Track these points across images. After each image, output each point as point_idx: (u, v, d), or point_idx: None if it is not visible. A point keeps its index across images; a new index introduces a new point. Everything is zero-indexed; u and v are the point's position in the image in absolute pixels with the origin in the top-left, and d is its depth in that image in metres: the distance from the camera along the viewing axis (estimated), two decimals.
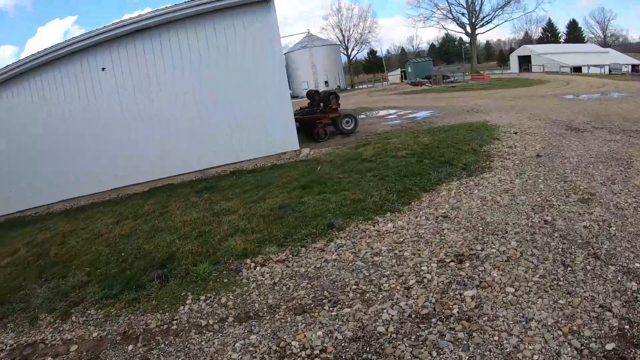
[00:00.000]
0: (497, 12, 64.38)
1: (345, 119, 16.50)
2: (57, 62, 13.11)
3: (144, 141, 13.35)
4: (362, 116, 22.41)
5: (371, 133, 15.73)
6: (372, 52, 78.98)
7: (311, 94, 19.31)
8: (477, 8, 62.62)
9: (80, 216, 11.19)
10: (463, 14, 63.17)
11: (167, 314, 5.18)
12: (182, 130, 13.67)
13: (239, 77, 13.49)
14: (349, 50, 68.88)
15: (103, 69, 12.97)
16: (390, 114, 21.63)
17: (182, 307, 5.25)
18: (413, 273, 5.08)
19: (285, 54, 51.84)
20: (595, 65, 52.63)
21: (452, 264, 5.13)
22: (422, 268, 5.16)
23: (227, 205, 8.89)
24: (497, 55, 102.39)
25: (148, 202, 10.84)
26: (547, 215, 6.08)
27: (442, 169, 8.90)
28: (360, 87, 54.29)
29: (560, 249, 5.13)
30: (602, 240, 5.26)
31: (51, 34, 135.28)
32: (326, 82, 48.62)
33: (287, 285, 5.37)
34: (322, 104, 16.78)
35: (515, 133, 11.94)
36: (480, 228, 6.01)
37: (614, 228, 5.55)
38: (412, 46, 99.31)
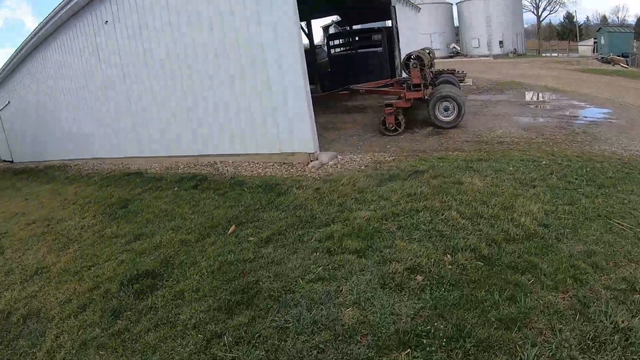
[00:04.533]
0: None
1: (444, 103, 9.10)
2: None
3: (140, 113, 10.28)
4: (503, 97, 14.14)
5: (473, 138, 8.19)
6: (569, 17, 59.55)
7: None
8: None
9: (59, 188, 10.58)
10: None
11: None
12: (159, 107, 9.68)
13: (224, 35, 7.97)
14: (539, 10, 51.87)
15: (106, 22, 10.02)
16: (543, 102, 12.99)
17: None
18: None
19: (456, 3, 41.65)
20: None
21: None
22: None
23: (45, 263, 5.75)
24: None
25: (71, 206, 8.63)
26: None
27: None
28: (546, 54, 41.71)
29: None
30: None
31: None
32: (500, 42, 37.36)
33: None
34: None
35: None
36: None
37: None
38: (617, 17, 74.76)
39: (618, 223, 3.97)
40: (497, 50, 37.68)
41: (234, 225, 5.46)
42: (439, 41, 39.46)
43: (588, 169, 5.59)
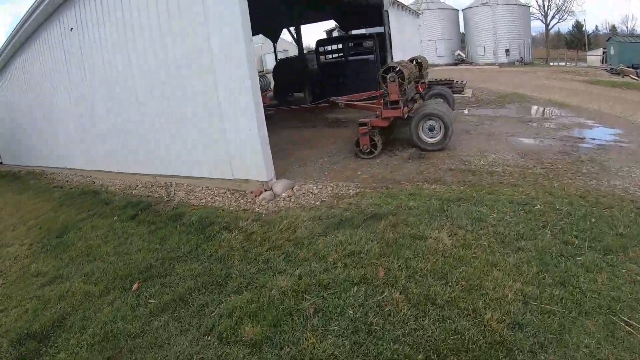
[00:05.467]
0: None
1: (428, 122, 7.84)
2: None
3: (105, 128, 9.36)
4: (503, 112, 12.81)
5: (460, 165, 6.90)
6: (578, 26, 54.86)
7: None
8: None
9: (25, 200, 9.92)
10: None
11: None
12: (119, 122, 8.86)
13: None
14: (548, 18, 48.18)
15: (71, 29, 9.13)
16: (547, 119, 11.61)
17: None
18: None
19: (462, 10, 40.19)
20: None
21: None
22: None
23: None
24: None
25: (21, 227, 7.98)
26: None
27: None
28: (554, 63, 39.99)
29: None
30: None
31: None
32: (507, 50, 35.65)
33: None
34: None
35: None
36: None
37: None
38: (627, 27, 71.09)
39: (625, 321, 2.71)
40: (503, 58, 36.20)
41: (137, 283, 4.38)
42: (443, 48, 38.12)
43: (593, 220, 4.30)
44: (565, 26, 61.90)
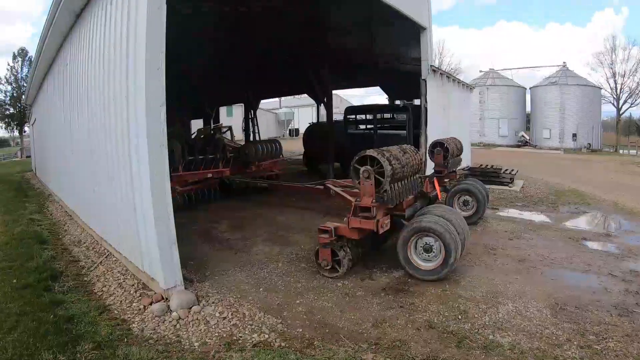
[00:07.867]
0: None
1: (424, 238, 5.36)
2: None
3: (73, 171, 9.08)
4: (551, 219, 9.85)
5: (448, 318, 4.37)
6: None
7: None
8: None
9: None
10: None
11: None
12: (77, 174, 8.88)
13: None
14: (620, 102, 41.37)
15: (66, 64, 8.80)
16: (608, 236, 8.38)
17: None
18: None
19: (530, 88, 36.83)
20: None
21: None
22: None
23: None
24: None
25: None
26: None
27: None
28: (624, 151, 35.09)
29: None
30: None
31: None
32: (574, 135, 31.54)
33: None
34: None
35: None
36: None
37: None
38: None
39: None
40: (569, 143, 32.10)
41: None
42: (507, 128, 34.80)
43: None
44: (637, 111, 54.89)
